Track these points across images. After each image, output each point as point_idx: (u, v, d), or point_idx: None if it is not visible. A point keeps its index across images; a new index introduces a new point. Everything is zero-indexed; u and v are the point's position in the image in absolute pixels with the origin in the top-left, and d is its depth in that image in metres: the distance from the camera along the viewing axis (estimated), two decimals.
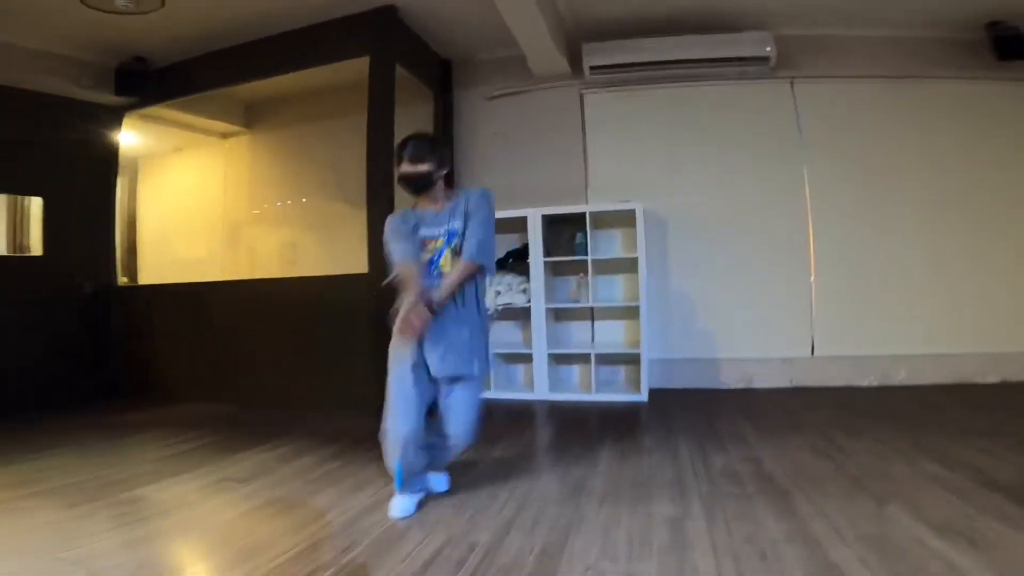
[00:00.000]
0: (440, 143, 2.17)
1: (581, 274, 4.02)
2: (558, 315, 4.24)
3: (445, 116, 4.48)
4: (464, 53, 4.48)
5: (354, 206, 4.23)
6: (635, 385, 3.89)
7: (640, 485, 2.20)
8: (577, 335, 4.30)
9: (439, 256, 2.07)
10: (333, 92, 4.53)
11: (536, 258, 3.93)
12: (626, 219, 3.92)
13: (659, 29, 3.94)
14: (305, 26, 3.81)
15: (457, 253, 2.05)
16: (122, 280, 4.78)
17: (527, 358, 4.06)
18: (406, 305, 1.94)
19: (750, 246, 4.10)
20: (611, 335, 4.21)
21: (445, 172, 2.09)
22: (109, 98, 4.33)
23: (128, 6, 3.29)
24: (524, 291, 4.02)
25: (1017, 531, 1.64)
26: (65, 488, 2.34)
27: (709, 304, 4.15)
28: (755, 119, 4.13)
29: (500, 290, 4.05)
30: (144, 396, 4.29)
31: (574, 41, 4.09)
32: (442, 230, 2.06)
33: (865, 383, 3.93)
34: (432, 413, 2.14)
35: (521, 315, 4.13)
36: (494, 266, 2.16)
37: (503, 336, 4.27)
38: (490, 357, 2.20)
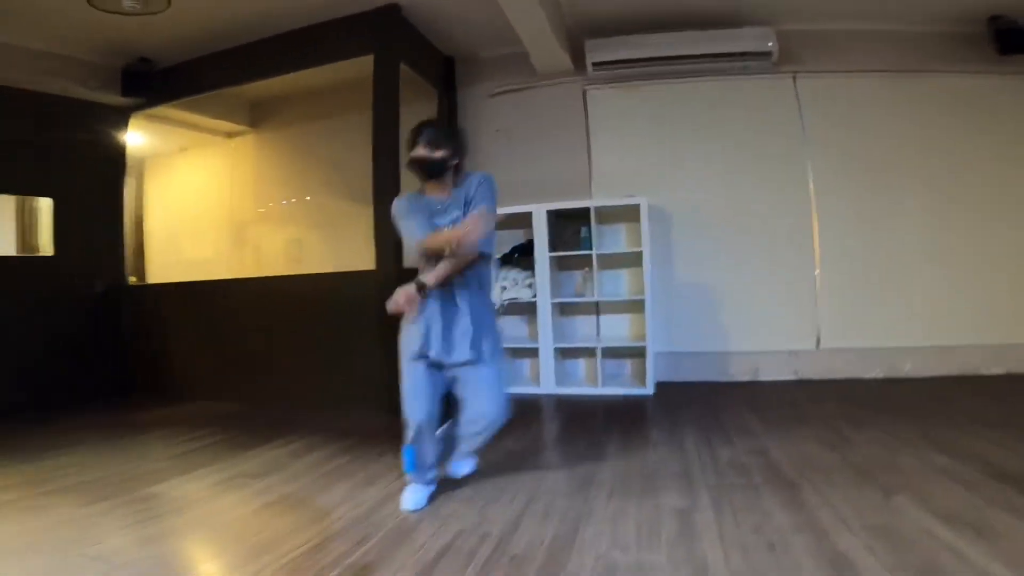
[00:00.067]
0: (459, 132, 2.15)
1: (586, 268, 4.03)
2: (563, 309, 4.26)
3: (449, 113, 4.49)
4: (467, 50, 4.48)
5: (358, 204, 4.25)
6: (641, 378, 3.91)
7: (648, 477, 2.23)
8: (583, 329, 4.32)
9: None
10: (337, 90, 4.54)
11: (541, 253, 3.95)
12: (630, 214, 3.93)
13: (661, 25, 3.94)
14: (309, 25, 3.81)
15: None
16: (131, 279, 4.82)
17: (533, 352, 4.09)
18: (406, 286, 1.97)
19: (754, 239, 4.10)
20: (616, 329, 4.23)
21: (457, 162, 2.10)
22: (116, 99, 4.35)
23: (135, 7, 3.31)
24: (530, 286, 4.04)
25: None
26: (82, 485, 2.38)
27: (714, 297, 4.16)
28: (758, 113, 4.13)
29: (506, 285, 4.07)
30: (154, 394, 4.34)
31: (577, 38, 4.09)
32: (448, 219, 2.07)
33: (871, 375, 3.94)
34: (449, 413, 2.16)
35: (527, 310, 4.15)
36: (492, 252, 2.16)
37: (509, 331, 4.29)
38: (501, 340, 2.21)
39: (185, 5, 3.50)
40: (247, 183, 5.21)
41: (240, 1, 3.56)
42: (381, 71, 3.64)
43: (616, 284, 4.20)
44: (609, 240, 4.16)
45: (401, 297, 1.95)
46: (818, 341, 4.03)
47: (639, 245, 3.83)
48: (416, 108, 4.02)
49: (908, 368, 3.90)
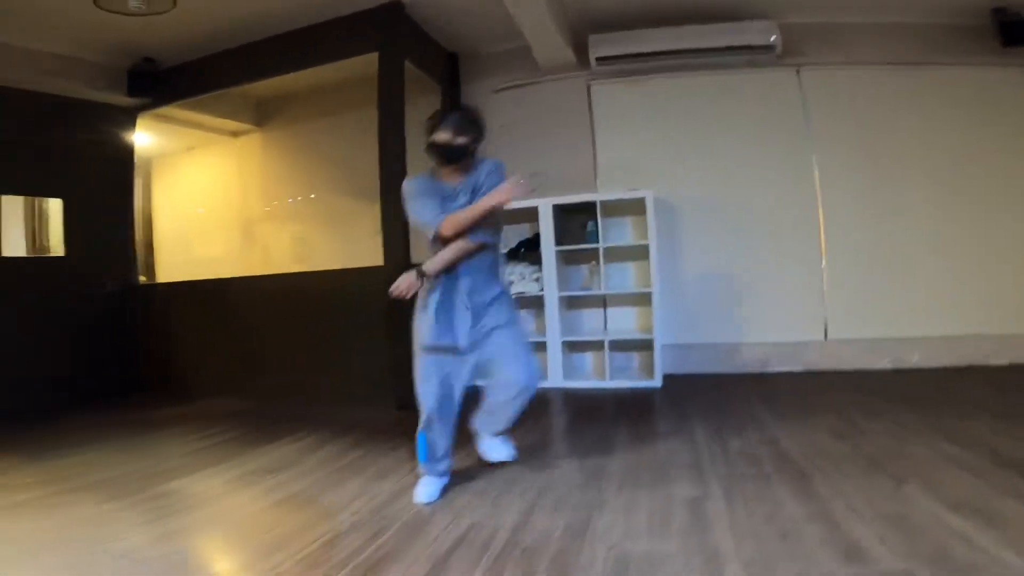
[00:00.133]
0: (481, 120, 2.16)
1: (593, 262, 4.05)
2: (571, 303, 4.27)
3: (453, 109, 4.49)
4: (470, 46, 4.48)
5: (364, 200, 4.28)
6: (649, 371, 3.93)
7: (658, 468, 2.24)
8: (590, 323, 4.34)
9: None
10: (341, 88, 4.55)
11: (548, 247, 3.96)
12: (636, 207, 3.93)
13: (664, 19, 3.93)
14: (313, 24, 3.82)
15: None
16: (140, 279, 4.86)
17: (541, 346, 4.10)
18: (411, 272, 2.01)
19: (761, 231, 4.10)
20: (624, 322, 4.24)
21: (474, 148, 2.12)
22: (122, 99, 4.38)
23: (140, 7, 3.33)
24: (536, 280, 4.05)
25: None
26: (100, 483, 2.42)
27: (721, 289, 4.16)
28: (762, 107, 4.12)
29: (513, 279, 4.09)
30: (166, 392, 4.38)
31: (580, 33, 4.08)
32: (456, 204, 2.07)
33: (879, 366, 3.94)
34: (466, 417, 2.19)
35: (534, 304, 4.17)
36: (498, 243, 2.17)
37: None
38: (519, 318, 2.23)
39: (190, 5, 3.51)
40: (254, 181, 5.23)
41: (245, 1, 3.57)
42: (386, 68, 3.65)
43: (623, 277, 4.21)
44: (615, 233, 4.17)
45: (403, 283, 2.00)
46: (826, 332, 4.03)
47: (645, 238, 3.83)
48: (420, 104, 4.02)
49: (916, 359, 3.90)
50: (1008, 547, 1.44)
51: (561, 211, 4.03)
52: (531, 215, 4.02)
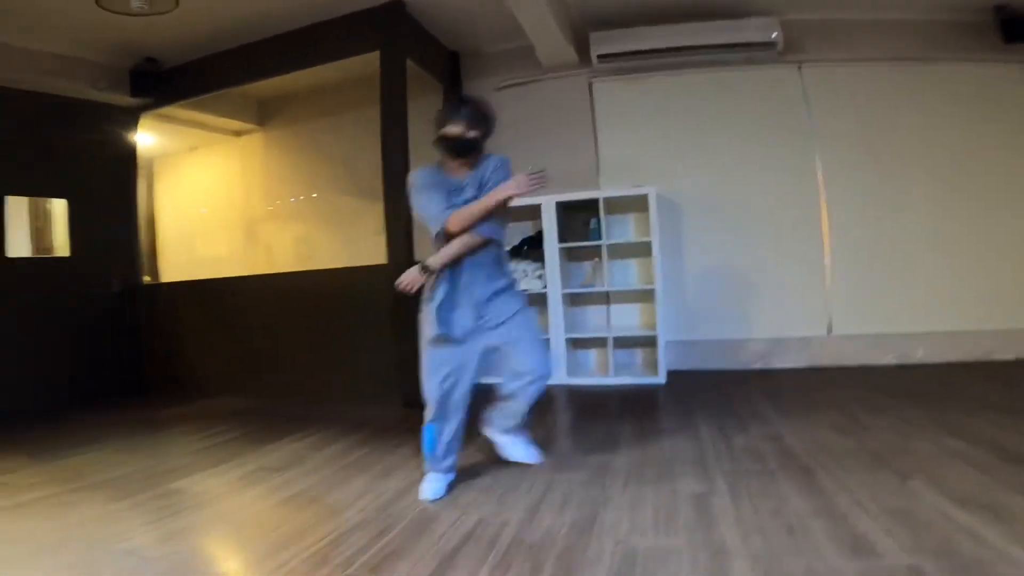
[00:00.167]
0: (492, 114, 2.15)
1: (596, 259, 4.05)
2: (574, 300, 4.27)
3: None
4: (472, 45, 4.47)
5: (366, 199, 4.29)
6: (652, 367, 3.93)
7: (663, 464, 2.25)
8: (593, 319, 4.34)
9: None
10: (342, 87, 4.55)
11: (551, 244, 3.96)
12: (639, 204, 3.93)
13: (665, 16, 3.93)
14: (315, 23, 3.82)
15: None
16: (144, 279, 4.88)
17: (544, 343, 4.09)
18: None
19: (764, 228, 4.10)
20: (627, 318, 4.24)
21: (483, 143, 2.12)
22: (125, 99, 4.39)
23: (143, 7, 3.33)
24: (540, 277, 4.05)
25: None
26: (107, 482, 2.43)
27: (724, 285, 4.16)
28: (764, 103, 4.12)
29: (516, 277, 4.08)
30: (170, 392, 4.40)
31: (581, 30, 4.08)
32: (462, 199, 2.07)
33: (883, 362, 3.93)
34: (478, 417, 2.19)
35: (537, 301, 4.16)
36: (503, 239, 2.16)
37: None
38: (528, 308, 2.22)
39: (192, 5, 3.51)
40: (257, 181, 5.24)
41: (247, 0, 3.57)
42: (387, 67, 3.65)
43: (626, 274, 4.21)
44: (618, 230, 4.17)
45: (407, 277, 2.02)
46: (829, 328, 4.03)
47: (648, 235, 3.83)
48: (422, 103, 4.04)
49: (920, 354, 3.90)
50: (1015, 542, 1.44)
51: (564, 208, 4.02)
52: (534, 212, 4.03)
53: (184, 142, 5.32)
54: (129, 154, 4.63)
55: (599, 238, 3.91)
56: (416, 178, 2.10)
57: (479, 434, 2.42)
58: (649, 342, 4.00)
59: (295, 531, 1.85)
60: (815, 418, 2.72)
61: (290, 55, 3.98)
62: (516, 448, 2.37)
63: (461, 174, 2.11)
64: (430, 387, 2.09)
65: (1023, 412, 2.59)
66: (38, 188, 4.21)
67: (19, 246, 4.20)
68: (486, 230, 2.04)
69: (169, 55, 4.25)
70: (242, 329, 4.23)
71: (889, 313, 3.96)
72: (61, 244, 4.32)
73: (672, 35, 3.94)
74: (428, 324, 2.10)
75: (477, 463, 2.38)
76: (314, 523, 1.91)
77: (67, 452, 2.90)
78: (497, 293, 2.13)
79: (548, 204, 3.95)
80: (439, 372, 2.07)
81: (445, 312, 2.07)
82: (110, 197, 4.53)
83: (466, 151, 2.07)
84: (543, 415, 3.19)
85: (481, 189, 2.06)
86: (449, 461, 2.15)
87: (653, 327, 3.86)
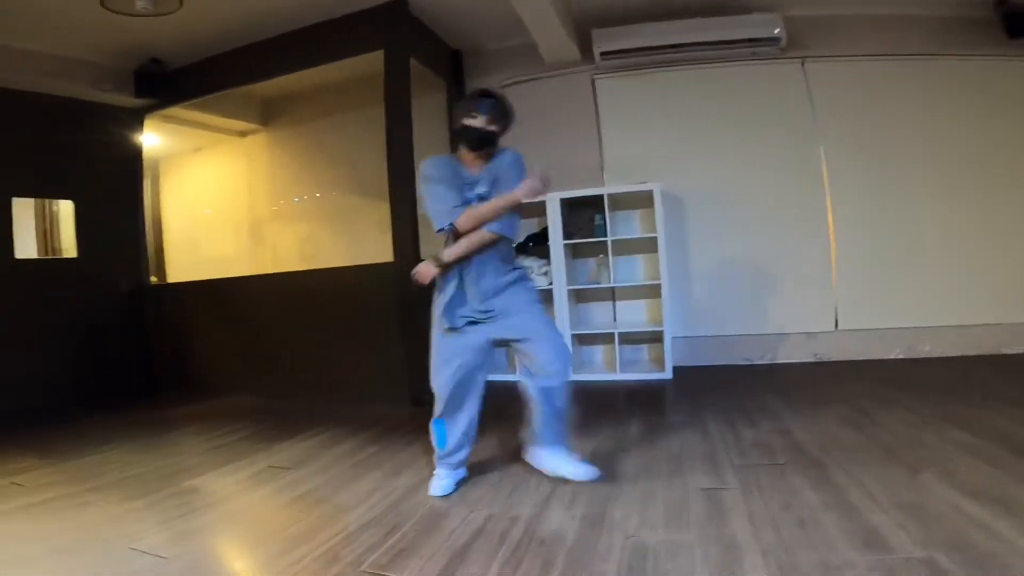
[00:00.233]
0: (512, 109, 2.14)
1: (601, 255, 4.05)
2: (580, 296, 4.27)
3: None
4: (475, 43, 4.46)
5: (371, 198, 4.29)
6: (659, 363, 3.93)
7: (672, 459, 2.25)
8: (599, 316, 4.34)
9: None
10: (346, 86, 4.54)
11: (556, 241, 3.96)
12: (643, 200, 3.93)
13: (667, 12, 3.92)
14: (319, 23, 3.82)
15: None
16: (152, 279, 4.90)
17: (562, 337, 4.10)
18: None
19: (769, 223, 4.09)
20: (633, 314, 4.24)
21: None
22: (130, 100, 4.40)
23: (147, 8, 3.34)
24: (545, 274, 4.05)
25: None
26: (120, 482, 2.45)
27: (730, 281, 4.15)
28: (768, 99, 4.11)
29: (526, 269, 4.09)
30: (180, 391, 4.42)
31: (583, 27, 4.07)
32: (475, 193, 2.07)
33: (891, 356, 3.92)
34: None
35: (543, 297, 4.15)
36: (515, 236, 2.14)
37: None
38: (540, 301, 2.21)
39: (196, 5, 3.51)
40: (262, 181, 5.25)
41: (250, 0, 3.57)
42: (391, 66, 3.65)
43: (631, 270, 4.21)
44: (623, 226, 4.16)
45: (420, 268, 2.05)
46: (836, 322, 4.02)
47: (653, 231, 3.83)
48: (426, 101, 4.05)
49: (928, 348, 3.89)
50: None
51: (568, 205, 4.02)
52: (539, 209, 4.02)
53: (189, 143, 5.33)
54: (135, 155, 4.65)
55: (604, 234, 3.90)
56: (429, 168, 2.08)
57: (487, 433, 2.42)
58: (655, 338, 4.00)
59: (306, 529, 1.86)
60: (824, 412, 2.72)
61: (294, 55, 3.98)
62: (564, 464, 2.11)
63: (475, 167, 2.10)
64: (439, 380, 2.09)
65: None
66: (44, 190, 4.24)
67: (26, 247, 4.23)
68: (499, 227, 2.04)
69: (173, 56, 4.26)
70: (250, 329, 4.25)
71: (896, 307, 3.95)
72: (68, 245, 4.34)
73: (675, 31, 3.94)
74: (437, 314, 2.11)
75: (485, 460, 2.39)
76: (325, 521, 1.92)
77: (80, 452, 2.92)
78: (506, 286, 2.13)
79: (553, 201, 3.94)
80: (449, 365, 2.07)
81: (455, 305, 2.08)
82: (116, 198, 4.55)
83: (485, 143, 2.07)
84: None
85: (495, 184, 2.06)
86: (459, 457, 2.15)
87: (659, 323, 3.85)
